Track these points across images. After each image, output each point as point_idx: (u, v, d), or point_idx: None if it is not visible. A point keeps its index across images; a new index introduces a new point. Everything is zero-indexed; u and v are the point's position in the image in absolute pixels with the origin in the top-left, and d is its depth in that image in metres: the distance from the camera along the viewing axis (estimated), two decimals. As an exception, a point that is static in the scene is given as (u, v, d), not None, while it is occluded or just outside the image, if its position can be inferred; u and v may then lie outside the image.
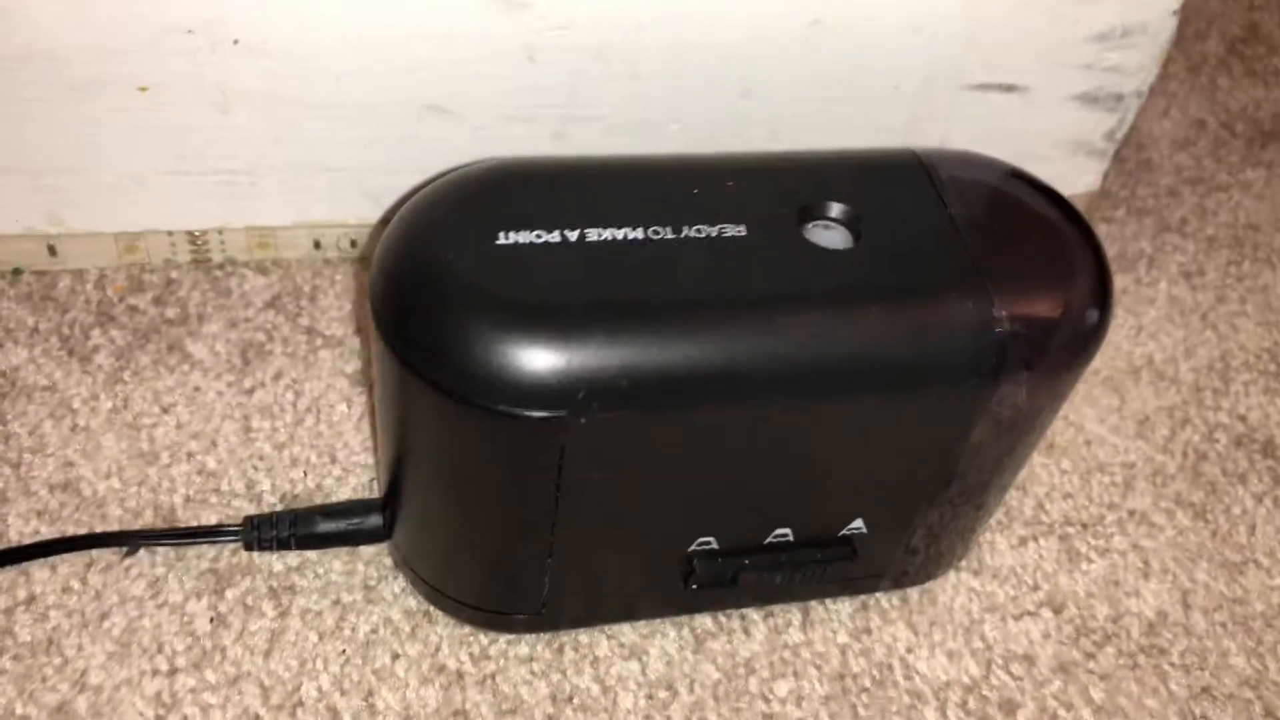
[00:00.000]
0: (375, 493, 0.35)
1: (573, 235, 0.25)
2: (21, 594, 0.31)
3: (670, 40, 0.38)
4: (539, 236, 0.25)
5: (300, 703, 0.30)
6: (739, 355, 0.25)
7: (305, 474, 0.35)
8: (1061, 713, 0.33)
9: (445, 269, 0.25)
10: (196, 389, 0.36)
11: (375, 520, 0.32)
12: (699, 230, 0.26)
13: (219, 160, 0.38)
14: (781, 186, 0.27)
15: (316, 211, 0.40)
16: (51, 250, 0.39)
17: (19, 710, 0.29)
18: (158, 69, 0.35)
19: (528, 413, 0.24)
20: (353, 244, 0.41)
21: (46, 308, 0.38)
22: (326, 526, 0.32)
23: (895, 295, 0.26)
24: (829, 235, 0.27)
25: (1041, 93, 0.42)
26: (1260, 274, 0.48)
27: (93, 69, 0.35)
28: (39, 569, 0.31)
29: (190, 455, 0.34)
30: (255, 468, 0.35)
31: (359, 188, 0.40)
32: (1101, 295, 0.27)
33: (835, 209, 0.27)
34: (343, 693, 0.30)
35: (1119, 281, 0.46)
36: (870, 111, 0.41)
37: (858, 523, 0.30)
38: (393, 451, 0.29)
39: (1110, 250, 0.47)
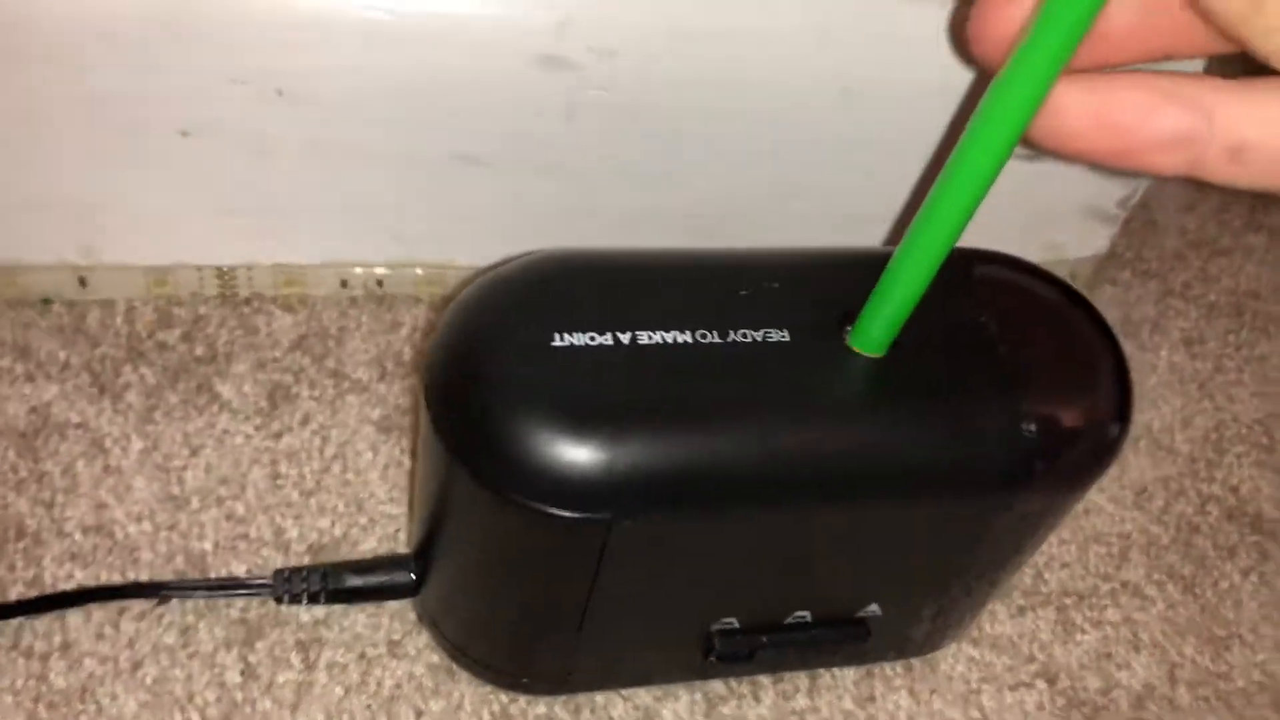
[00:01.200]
0: (401, 543, 0.35)
1: (625, 338, 0.26)
2: (57, 640, 0.32)
3: (705, 103, 0.38)
4: (592, 339, 0.26)
5: (327, 758, 0.31)
6: (778, 463, 0.26)
7: (333, 523, 0.35)
8: (1053, 785, 0.34)
9: (500, 368, 0.25)
10: (225, 432, 0.37)
11: (405, 576, 0.33)
12: (744, 335, 0.27)
13: (253, 201, 0.38)
14: (824, 289, 0.28)
15: (344, 252, 0.41)
16: (82, 281, 0.39)
17: (55, 760, 0.30)
18: (201, 115, 0.35)
19: (574, 514, 0.25)
20: (379, 284, 0.42)
21: (77, 340, 0.38)
22: (356, 582, 0.33)
23: (930, 406, 0.27)
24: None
25: (1061, 160, 0.43)
26: (1258, 343, 0.49)
27: (137, 112, 0.35)
28: (74, 615, 0.32)
29: (220, 500, 0.35)
30: (283, 515, 0.35)
31: (388, 231, 0.40)
32: (1123, 408, 0.28)
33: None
34: (368, 748, 0.31)
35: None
36: (892, 174, 0.42)
37: (873, 607, 0.31)
38: (430, 523, 0.29)
39: (1115, 315, 0.48)
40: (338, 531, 0.35)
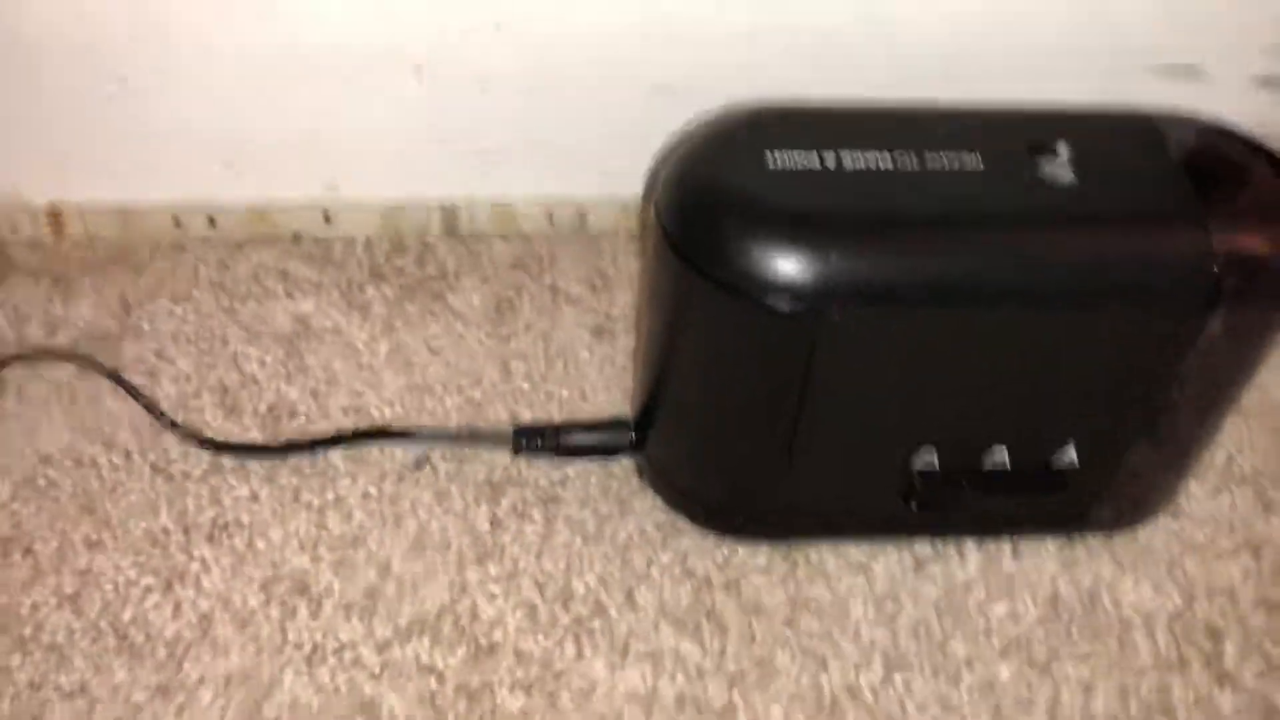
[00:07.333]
0: (621, 425, 0.39)
1: (830, 160, 0.29)
2: (330, 496, 0.36)
3: (874, 30, 0.41)
4: (802, 159, 0.29)
5: (571, 595, 0.34)
6: (973, 269, 0.28)
7: (560, 407, 0.39)
8: (1268, 644, 0.35)
9: (723, 185, 0.29)
10: (460, 336, 0.41)
11: (626, 435, 0.36)
12: (942, 161, 0.29)
13: (473, 138, 0.43)
14: (1016, 127, 0.31)
15: (551, 186, 0.45)
16: (326, 218, 0.44)
17: (336, 591, 0.33)
18: (431, 51, 0.40)
19: (791, 307, 0.28)
20: (582, 217, 0.46)
21: (326, 267, 0.43)
22: (584, 439, 0.36)
23: (1119, 223, 0.29)
24: (1057, 171, 0.30)
25: (1221, 76, 0.45)
26: None
27: (370, 54, 0.40)
28: (342, 479, 0.36)
29: (460, 389, 0.39)
30: (516, 400, 0.39)
31: (592, 165, 0.45)
32: None
33: (1063, 148, 0.30)
34: (607, 590, 0.34)
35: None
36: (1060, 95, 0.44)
37: (1070, 454, 0.33)
38: (657, 355, 0.33)
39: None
40: (564, 414, 0.39)
